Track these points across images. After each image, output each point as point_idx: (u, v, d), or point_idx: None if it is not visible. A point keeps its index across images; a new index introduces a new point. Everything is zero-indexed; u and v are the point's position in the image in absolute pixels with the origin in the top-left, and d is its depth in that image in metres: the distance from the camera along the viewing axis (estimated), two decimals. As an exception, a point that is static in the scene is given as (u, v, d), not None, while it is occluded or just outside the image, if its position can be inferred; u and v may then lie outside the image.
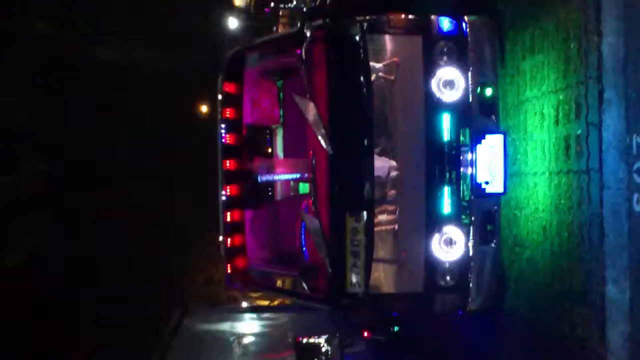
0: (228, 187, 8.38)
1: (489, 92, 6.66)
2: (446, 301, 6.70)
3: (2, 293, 19.24)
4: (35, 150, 21.59)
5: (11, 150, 20.82)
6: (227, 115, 8.39)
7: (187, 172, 25.97)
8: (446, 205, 6.58)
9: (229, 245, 8.41)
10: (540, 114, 6.23)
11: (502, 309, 6.99)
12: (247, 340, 8.23)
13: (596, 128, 5.20)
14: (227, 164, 8.38)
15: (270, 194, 9.09)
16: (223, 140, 8.38)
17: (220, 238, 8.53)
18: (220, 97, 8.44)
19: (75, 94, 23.52)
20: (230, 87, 8.38)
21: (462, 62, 6.59)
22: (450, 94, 6.57)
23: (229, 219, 8.42)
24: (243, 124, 8.62)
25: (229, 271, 8.51)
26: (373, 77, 6.49)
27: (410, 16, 6.63)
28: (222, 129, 8.39)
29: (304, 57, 6.67)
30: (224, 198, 8.39)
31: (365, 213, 6.41)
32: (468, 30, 6.64)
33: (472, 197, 6.57)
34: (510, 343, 7.00)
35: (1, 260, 20.47)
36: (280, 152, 9.01)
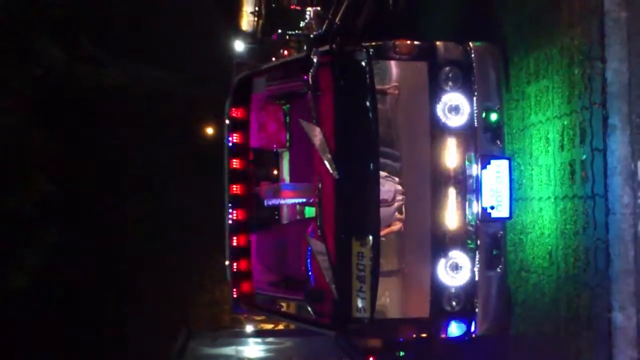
0: (234, 212, 8.41)
1: (494, 117, 6.70)
2: (452, 326, 6.68)
3: (7, 313, 19.26)
4: (42, 171, 21.69)
5: (19, 171, 20.92)
6: (234, 140, 8.46)
7: (191, 194, 26.08)
8: (452, 230, 6.59)
9: (235, 270, 8.42)
10: (545, 139, 6.25)
11: (508, 334, 6.96)
12: (252, 364, 8.20)
13: (601, 153, 5.22)
14: (234, 189, 8.42)
15: (276, 217, 9.12)
16: (230, 165, 8.44)
17: (227, 262, 8.54)
18: (227, 121, 8.51)
19: (82, 114, 23.70)
20: (237, 112, 8.45)
21: (467, 87, 6.65)
22: (455, 119, 6.61)
23: (235, 243, 8.44)
24: (250, 148, 8.68)
25: (235, 296, 8.50)
26: (379, 102, 6.54)
27: (415, 42, 6.71)
28: (229, 153, 8.46)
29: (310, 82, 6.73)
30: (230, 222, 8.43)
31: (371, 237, 6.41)
32: (473, 55, 6.71)
33: (477, 222, 6.57)
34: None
35: (7, 282, 20.48)
36: (286, 175, 9.05)
